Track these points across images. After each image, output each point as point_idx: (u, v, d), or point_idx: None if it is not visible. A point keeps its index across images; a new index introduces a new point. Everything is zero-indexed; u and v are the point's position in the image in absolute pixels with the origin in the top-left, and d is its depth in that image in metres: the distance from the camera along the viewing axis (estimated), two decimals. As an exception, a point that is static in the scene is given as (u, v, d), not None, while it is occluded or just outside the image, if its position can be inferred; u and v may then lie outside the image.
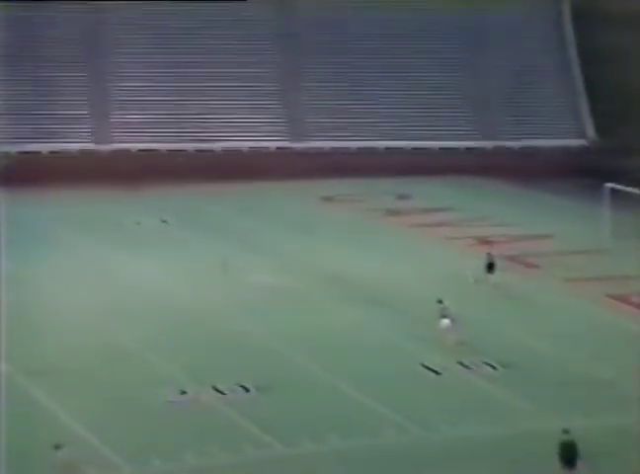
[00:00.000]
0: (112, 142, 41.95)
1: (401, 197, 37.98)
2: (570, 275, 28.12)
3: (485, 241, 31.49)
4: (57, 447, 16.42)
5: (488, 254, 27.32)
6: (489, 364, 21.57)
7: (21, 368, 21.18)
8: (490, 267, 26.89)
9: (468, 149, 42.94)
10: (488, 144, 43.31)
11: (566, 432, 16.57)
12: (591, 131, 43.97)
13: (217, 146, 42.26)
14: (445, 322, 22.44)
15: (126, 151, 41.66)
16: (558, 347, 22.75)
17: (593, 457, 17.19)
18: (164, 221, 34.17)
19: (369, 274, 27.92)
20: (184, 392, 20.07)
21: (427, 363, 21.56)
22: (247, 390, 20.19)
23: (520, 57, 45.01)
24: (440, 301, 22.87)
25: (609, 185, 32.34)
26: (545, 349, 22.71)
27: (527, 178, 39.84)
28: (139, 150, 41.86)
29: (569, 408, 19.53)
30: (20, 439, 18.06)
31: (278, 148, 42.58)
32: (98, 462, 17.48)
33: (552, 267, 29.00)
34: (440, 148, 42.79)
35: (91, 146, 41.73)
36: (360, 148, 42.74)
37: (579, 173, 39.81)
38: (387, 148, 42.67)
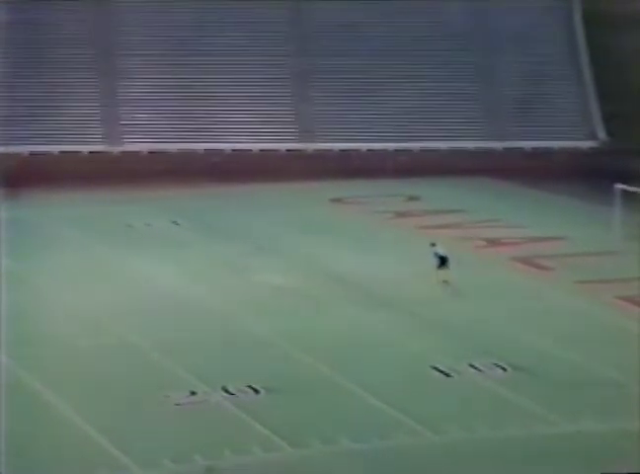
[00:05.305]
0: (122, 144, 42.04)
1: (410, 198, 37.93)
2: (581, 276, 28.02)
3: (493, 242, 31.45)
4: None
5: (436, 253, 26.63)
6: (499, 366, 21.51)
7: (29, 369, 21.19)
8: (442, 262, 26.36)
9: (478, 150, 42.86)
10: (498, 145, 43.23)
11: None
12: (601, 133, 43.83)
13: (227, 147, 42.30)
14: None
15: (137, 152, 41.73)
16: (569, 348, 22.67)
17: (604, 461, 17.12)
18: (174, 223, 34.20)
19: (379, 275, 27.88)
20: (193, 393, 20.07)
21: (436, 365, 21.51)
22: (256, 391, 20.17)
23: (530, 58, 44.92)
24: None
25: (620, 186, 32.24)
26: (556, 351, 22.63)
27: (538, 179, 39.73)
28: (150, 152, 41.94)
29: (580, 410, 19.47)
30: (27, 441, 18.06)
31: (288, 150, 42.59)
32: (107, 462, 17.49)
33: (563, 268, 28.90)
34: (449, 149, 42.74)
35: (101, 147, 41.82)
36: (369, 150, 42.71)
37: (589, 174, 39.69)
38: (397, 150, 42.63)
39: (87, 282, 27.22)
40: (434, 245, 26.92)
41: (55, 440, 18.19)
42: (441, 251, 26.70)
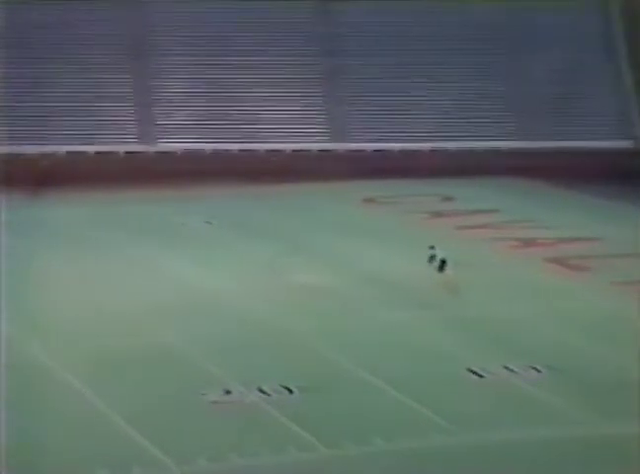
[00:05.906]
0: (157, 144, 42.30)
1: (445, 198, 37.83)
2: (616, 278, 27.81)
3: (527, 243, 31.29)
4: None
5: (433, 255, 26.51)
6: (534, 368, 21.40)
7: (66, 368, 21.37)
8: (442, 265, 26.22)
9: (513, 150, 42.65)
10: (533, 145, 43.00)
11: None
12: (639, 132, 43.43)
13: (261, 148, 42.46)
14: None
15: (171, 153, 41.98)
16: (605, 350, 22.52)
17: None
18: (208, 222, 34.35)
19: (412, 275, 27.81)
20: (228, 392, 20.16)
21: (470, 366, 21.44)
22: (290, 391, 20.22)
23: (565, 56, 44.64)
24: None
25: (657, 187, 32.00)
26: (592, 352, 22.49)
27: (573, 179, 39.47)
28: (184, 151, 42.19)
29: (615, 412, 19.33)
30: (62, 440, 18.23)
31: (320, 150, 42.62)
32: (143, 460, 17.61)
33: (598, 269, 28.72)
34: (484, 149, 42.56)
35: (136, 147, 42.12)
36: (402, 150, 42.62)
37: (626, 175, 39.35)
38: (430, 150, 42.52)
39: (120, 282, 27.39)
40: (432, 247, 26.79)
41: (90, 439, 18.32)
42: (441, 254, 26.55)
